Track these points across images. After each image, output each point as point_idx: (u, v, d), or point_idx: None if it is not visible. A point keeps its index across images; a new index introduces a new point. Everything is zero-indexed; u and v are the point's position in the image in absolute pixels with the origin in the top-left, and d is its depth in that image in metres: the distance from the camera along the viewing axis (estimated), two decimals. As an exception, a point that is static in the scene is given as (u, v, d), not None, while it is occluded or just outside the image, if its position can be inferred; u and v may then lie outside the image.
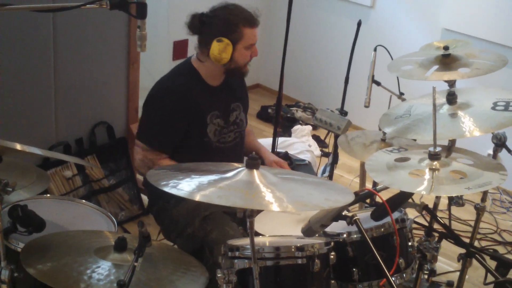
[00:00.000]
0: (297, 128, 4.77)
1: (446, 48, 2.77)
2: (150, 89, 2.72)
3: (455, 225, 3.93)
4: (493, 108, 2.25)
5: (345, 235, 2.15)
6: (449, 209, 2.82)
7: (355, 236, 2.14)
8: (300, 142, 4.07)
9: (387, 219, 2.14)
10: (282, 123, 4.91)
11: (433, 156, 2.01)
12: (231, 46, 2.57)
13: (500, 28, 4.31)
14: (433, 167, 2.00)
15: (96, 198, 3.45)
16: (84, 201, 2.61)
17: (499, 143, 2.70)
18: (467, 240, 3.07)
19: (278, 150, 3.49)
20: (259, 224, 2.47)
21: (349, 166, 4.36)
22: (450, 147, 2.32)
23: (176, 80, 2.69)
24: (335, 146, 3.23)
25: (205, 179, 1.75)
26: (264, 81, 5.83)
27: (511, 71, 4.15)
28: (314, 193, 1.77)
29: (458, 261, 2.74)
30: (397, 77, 3.07)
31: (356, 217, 1.90)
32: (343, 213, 1.98)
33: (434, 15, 4.65)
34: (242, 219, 2.48)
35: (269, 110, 5.23)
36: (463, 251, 2.64)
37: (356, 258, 2.16)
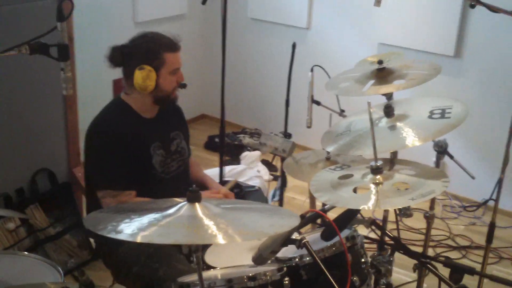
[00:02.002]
0: (245, 154, 4.75)
1: (380, 62, 2.80)
2: (85, 134, 2.66)
3: (408, 235, 3.95)
4: (430, 117, 2.27)
5: (297, 259, 2.10)
6: (396, 221, 2.84)
7: (307, 259, 2.10)
8: (249, 169, 4.03)
9: (337, 238, 2.11)
10: (230, 151, 4.88)
11: (375, 170, 2.01)
12: (154, 72, 2.55)
13: (433, 37, 4.41)
14: (377, 181, 2.00)
15: (43, 247, 3.33)
16: (26, 253, 2.51)
17: (441, 150, 2.73)
18: (421, 249, 3.08)
19: (226, 178, 3.45)
20: (210, 256, 2.42)
21: (301, 187, 4.34)
22: (393, 160, 2.34)
23: (110, 117, 2.65)
24: (282, 170, 3.21)
25: (145, 218, 1.69)
26: (208, 111, 5.80)
27: (445, 78, 4.28)
28: (259, 220, 1.74)
29: (414, 271, 2.74)
30: (336, 95, 3.09)
31: (304, 240, 1.86)
32: (293, 237, 1.94)
33: (369, 30, 4.72)
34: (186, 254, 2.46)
35: (216, 140, 5.19)
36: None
37: (310, 281, 2.11)
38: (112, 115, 2.65)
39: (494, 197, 2.80)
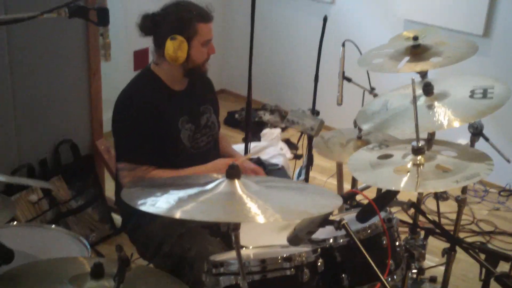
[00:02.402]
0: (266, 132, 4.69)
1: (415, 38, 2.73)
2: (114, 105, 2.60)
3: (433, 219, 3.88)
4: (471, 97, 2.21)
5: (331, 241, 2.05)
6: (437, 205, 2.72)
7: (341, 240, 2.04)
8: (272, 146, 3.98)
9: (373, 220, 2.06)
10: (251, 128, 4.81)
11: (417, 151, 1.94)
12: (186, 43, 2.47)
13: (460, 15, 4.30)
14: (418, 162, 1.94)
15: (65, 221, 3.30)
16: (53, 226, 2.48)
17: (476, 132, 2.65)
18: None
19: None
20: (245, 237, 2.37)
21: (321, 167, 4.28)
22: (430, 140, 2.27)
23: (139, 89, 2.59)
24: (309, 148, 3.14)
25: (184, 193, 1.64)
26: (228, 85, 5.72)
27: (479, 58, 4.17)
28: (300, 200, 1.69)
29: (443, 256, 2.69)
30: (367, 72, 3.01)
31: (344, 221, 1.81)
32: (330, 218, 1.89)
33: (395, 6, 4.61)
34: (223, 233, 2.40)
35: (236, 116, 5.13)
36: (445, 245, 2.60)
37: (344, 263, 2.05)
38: (141, 86, 2.59)
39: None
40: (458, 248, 2.59)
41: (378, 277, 1.80)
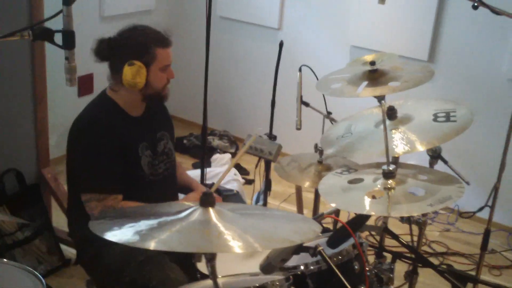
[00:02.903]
0: (216, 157, 4.63)
1: (372, 63, 2.73)
2: (69, 133, 2.50)
3: (388, 241, 3.90)
4: (435, 120, 2.22)
5: (302, 267, 2.00)
6: (410, 230, 2.65)
7: (313, 267, 2.00)
8: (231, 171, 3.92)
9: (344, 245, 2.03)
10: (198, 153, 4.75)
11: (388, 175, 1.93)
12: (144, 68, 2.40)
13: (406, 41, 4.39)
14: (389, 186, 1.93)
15: (11, 253, 3.13)
16: (4, 260, 2.32)
17: (435, 154, 2.68)
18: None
19: (205, 182, 3.32)
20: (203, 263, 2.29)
21: (275, 191, 4.24)
22: (396, 164, 2.26)
23: (96, 115, 2.48)
24: (267, 173, 3.10)
25: (157, 223, 1.56)
26: (175, 111, 5.62)
27: (431, 83, 4.27)
28: (278, 227, 1.63)
29: (405, 279, 2.69)
30: (323, 96, 3.01)
31: (320, 248, 1.77)
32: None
33: (341, 33, 4.68)
34: (182, 258, 2.32)
35: (185, 141, 5.06)
36: (405, 268, 2.59)
37: (317, 289, 2.02)
38: (98, 112, 2.49)
39: (490, 203, 2.76)
40: (420, 271, 2.60)
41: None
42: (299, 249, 1.82)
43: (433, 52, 4.37)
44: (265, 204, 3.19)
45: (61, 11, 1.59)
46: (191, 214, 1.59)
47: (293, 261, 2.04)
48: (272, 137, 3.16)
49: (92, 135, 2.42)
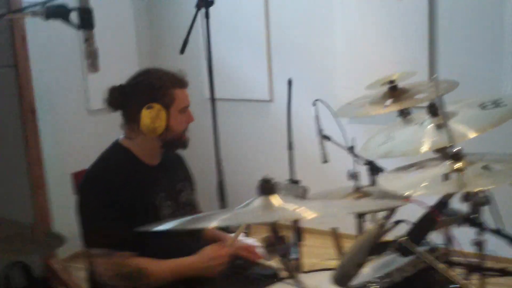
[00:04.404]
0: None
1: (392, 81, 2.62)
2: (80, 186, 2.29)
3: None
4: (483, 109, 2.06)
5: (380, 281, 1.74)
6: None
7: (393, 277, 1.74)
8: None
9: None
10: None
11: (456, 156, 1.73)
12: (164, 111, 2.23)
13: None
14: (459, 167, 1.72)
15: None
16: None
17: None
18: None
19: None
20: None
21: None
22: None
23: (110, 165, 2.29)
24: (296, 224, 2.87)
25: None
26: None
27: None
28: (347, 204, 1.42)
29: None
30: (341, 130, 2.86)
31: (404, 238, 1.53)
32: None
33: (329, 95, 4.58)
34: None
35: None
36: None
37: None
38: (113, 162, 2.29)
39: None
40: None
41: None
42: (377, 247, 1.58)
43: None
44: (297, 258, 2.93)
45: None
46: (251, 203, 1.38)
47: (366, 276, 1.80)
48: (295, 182, 2.96)
49: (101, 187, 2.22)
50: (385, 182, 1.77)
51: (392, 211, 1.56)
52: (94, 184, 2.24)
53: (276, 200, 1.37)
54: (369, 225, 1.54)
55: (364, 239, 1.56)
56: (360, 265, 1.62)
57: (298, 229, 2.91)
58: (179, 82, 2.31)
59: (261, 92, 4.91)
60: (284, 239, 1.40)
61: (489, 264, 2.18)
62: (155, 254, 2.22)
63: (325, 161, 2.66)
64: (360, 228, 2.67)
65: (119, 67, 4.77)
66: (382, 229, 1.56)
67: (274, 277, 2.59)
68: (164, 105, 2.23)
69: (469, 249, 2.07)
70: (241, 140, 5.07)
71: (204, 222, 1.30)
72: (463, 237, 2.06)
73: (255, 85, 4.93)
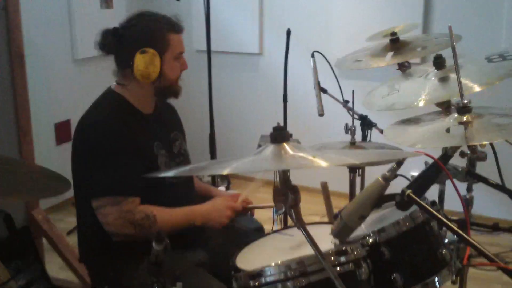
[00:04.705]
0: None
1: (393, 33, 2.54)
2: (75, 135, 2.19)
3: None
4: (489, 61, 1.99)
5: (375, 236, 1.69)
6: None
7: (389, 232, 1.70)
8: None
9: (414, 207, 1.73)
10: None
11: (463, 110, 1.66)
12: (158, 56, 2.13)
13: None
14: (465, 120, 1.66)
15: (7, 304, 2.72)
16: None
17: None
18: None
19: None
20: (245, 261, 1.92)
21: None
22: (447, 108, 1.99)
23: (106, 113, 2.18)
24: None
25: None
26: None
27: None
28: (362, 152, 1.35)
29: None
30: (338, 83, 2.79)
31: (408, 191, 1.47)
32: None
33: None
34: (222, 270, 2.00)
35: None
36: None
37: (395, 259, 1.70)
38: (108, 109, 2.19)
39: None
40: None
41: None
42: (381, 199, 1.52)
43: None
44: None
45: None
46: (263, 150, 1.31)
47: (360, 231, 1.74)
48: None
49: (101, 134, 2.11)
50: (391, 135, 1.70)
51: (400, 163, 1.48)
52: (92, 133, 2.13)
53: (288, 148, 1.31)
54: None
55: (369, 191, 1.49)
56: (363, 217, 1.55)
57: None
58: (175, 27, 2.20)
59: (251, 45, 4.80)
60: (296, 188, 1.33)
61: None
62: (156, 203, 2.15)
63: (322, 114, 2.58)
64: (352, 183, 2.63)
65: (107, 15, 4.65)
66: (388, 181, 1.49)
67: (261, 230, 2.56)
68: (159, 50, 2.13)
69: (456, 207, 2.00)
70: (230, 93, 4.98)
71: (216, 169, 1.21)
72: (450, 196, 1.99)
73: (245, 38, 4.81)
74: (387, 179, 1.48)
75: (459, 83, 1.65)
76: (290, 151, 1.31)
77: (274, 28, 4.68)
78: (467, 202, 2.36)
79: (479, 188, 2.09)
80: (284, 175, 1.34)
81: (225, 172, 1.18)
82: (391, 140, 1.65)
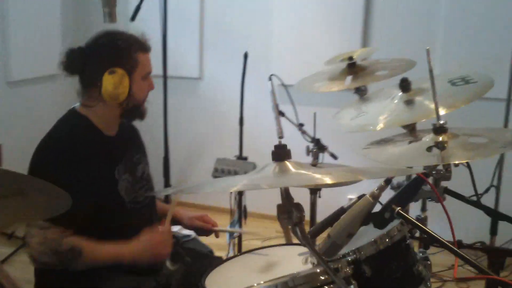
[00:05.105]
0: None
1: (350, 58, 2.61)
2: (33, 154, 2.09)
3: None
4: (453, 85, 2.08)
5: (355, 254, 1.71)
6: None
7: (368, 250, 1.72)
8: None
9: (392, 225, 1.77)
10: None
11: (439, 130, 1.73)
12: (127, 77, 2.08)
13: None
14: (441, 140, 1.72)
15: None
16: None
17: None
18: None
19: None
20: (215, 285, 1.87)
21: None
22: (412, 130, 2.05)
23: (66, 133, 2.11)
24: (240, 197, 2.82)
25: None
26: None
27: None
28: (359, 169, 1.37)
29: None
30: (293, 106, 2.83)
31: (398, 208, 1.50)
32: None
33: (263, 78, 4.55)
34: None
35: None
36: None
37: (376, 277, 1.72)
38: (69, 130, 2.12)
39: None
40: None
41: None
42: (369, 216, 1.54)
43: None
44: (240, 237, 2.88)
45: None
46: (265, 168, 1.31)
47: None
48: (242, 158, 2.90)
49: (57, 156, 2.04)
50: (370, 154, 1.74)
51: (388, 180, 1.51)
52: (48, 153, 2.06)
53: (290, 166, 1.31)
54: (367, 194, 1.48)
55: (357, 209, 1.51)
56: (351, 235, 1.57)
57: (243, 208, 2.87)
58: (143, 46, 2.17)
59: (191, 70, 4.80)
60: (300, 206, 1.33)
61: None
62: (117, 228, 2.09)
63: (281, 136, 2.60)
64: (312, 204, 2.65)
65: (42, 35, 4.52)
66: (376, 199, 1.51)
67: (211, 254, 2.51)
68: (127, 70, 2.09)
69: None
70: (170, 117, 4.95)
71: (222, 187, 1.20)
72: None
73: (185, 62, 4.80)
74: (375, 197, 1.51)
75: (436, 103, 1.72)
76: (292, 169, 1.32)
77: (215, 53, 4.70)
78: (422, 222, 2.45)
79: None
80: (287, 192, 1.34)
81: (234, 189, 1.16)
82: (373, 159, 1.69)
